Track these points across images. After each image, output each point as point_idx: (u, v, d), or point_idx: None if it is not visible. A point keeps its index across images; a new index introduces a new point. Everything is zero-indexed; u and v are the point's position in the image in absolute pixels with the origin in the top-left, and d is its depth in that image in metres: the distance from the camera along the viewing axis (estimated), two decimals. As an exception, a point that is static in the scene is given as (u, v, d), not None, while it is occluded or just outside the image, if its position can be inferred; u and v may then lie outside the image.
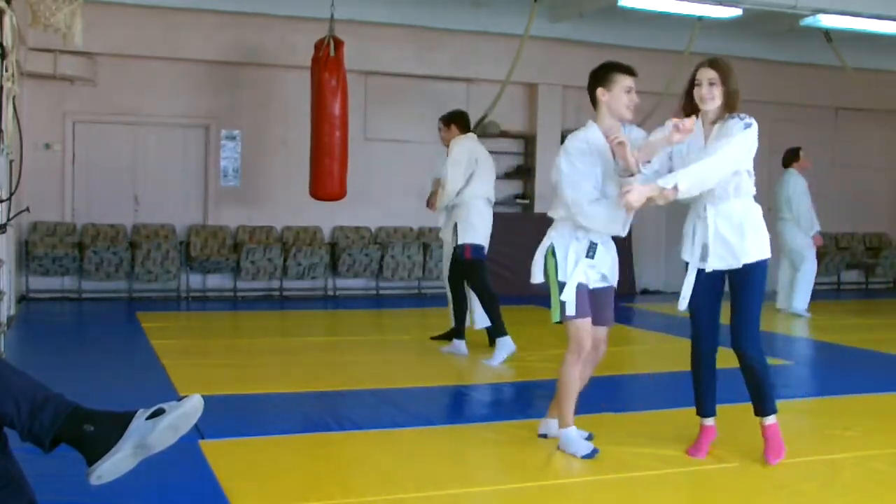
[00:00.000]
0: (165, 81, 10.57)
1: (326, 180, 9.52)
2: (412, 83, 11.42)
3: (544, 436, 4.52)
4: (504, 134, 11.92)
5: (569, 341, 4.28)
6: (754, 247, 4.04)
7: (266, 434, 4.55)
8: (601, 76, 4.26)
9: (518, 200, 12.09)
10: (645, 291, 12.61)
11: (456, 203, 6.97)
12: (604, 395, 5.80)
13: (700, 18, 10.57)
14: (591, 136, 4.26)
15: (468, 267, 6.94)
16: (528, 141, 12.23)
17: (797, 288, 10.04)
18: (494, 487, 3.78)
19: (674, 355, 7.52)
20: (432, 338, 7.50)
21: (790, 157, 10.02)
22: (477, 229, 6.94)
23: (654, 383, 6.46)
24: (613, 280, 4.39)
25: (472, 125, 7.44)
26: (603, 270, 4.32)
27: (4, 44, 4.86)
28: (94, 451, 2.50)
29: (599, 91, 4.25)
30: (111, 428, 2.51)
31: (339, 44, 9.36)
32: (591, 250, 4.26)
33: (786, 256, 10.04)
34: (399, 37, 11.17)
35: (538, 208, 11.92)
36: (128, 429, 2.52)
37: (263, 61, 10.80)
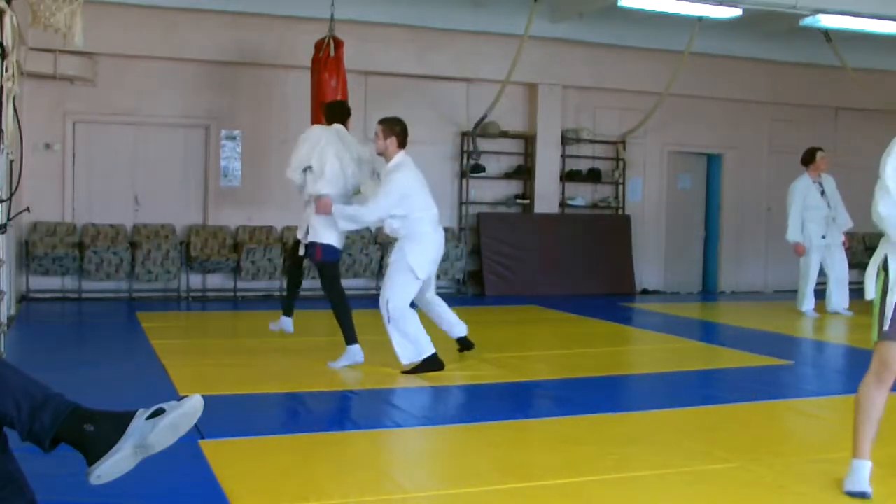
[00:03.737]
0: (165, 81, 10.57)
1: (326, 180, 9.48)
2: (412, 83, 11.42)
3: None
4: (504, 134, 11.92)
5: (873, 361, 3.69)
6: None
7: (266, 434, 4.55)
8: None
9: (518, 200, 12.08)
10: (645, 291, 12.60)
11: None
12: (604, 395, 5.81)
13: (700, 18, 10.59)
14: None
15: (319, 269, 6.52)
16: (528, 141, 12.22)
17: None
18: (495, 487, 3.78)
19: (674, 355, 7.53)
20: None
21: (804, 158, 9.91)
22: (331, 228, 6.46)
23: (654, 383, 6.46)
24: None
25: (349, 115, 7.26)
26: None
27: (4, 44, 4.85)
28: (94, 450, 2.50)
29: None
30: (111, 428, 2.51)
31: (339, 44, 9.36)
32: None
33: None
34: (399, 37, 11.17)
35: (538, 208, 11.94)
36: (128, 429, 2.52)
37: (263, 61, 10.80)
